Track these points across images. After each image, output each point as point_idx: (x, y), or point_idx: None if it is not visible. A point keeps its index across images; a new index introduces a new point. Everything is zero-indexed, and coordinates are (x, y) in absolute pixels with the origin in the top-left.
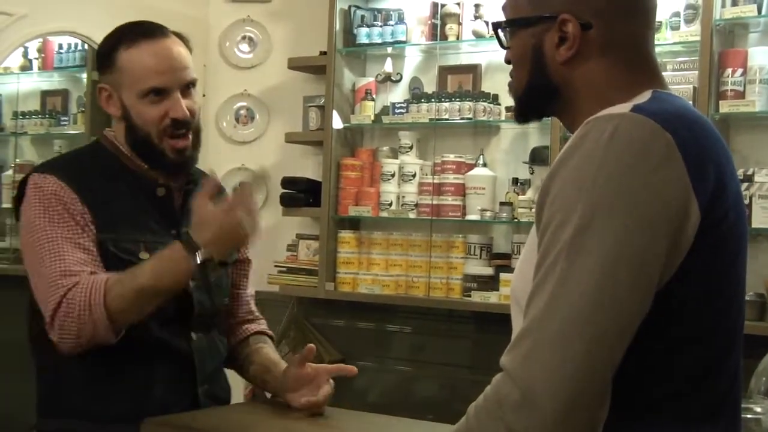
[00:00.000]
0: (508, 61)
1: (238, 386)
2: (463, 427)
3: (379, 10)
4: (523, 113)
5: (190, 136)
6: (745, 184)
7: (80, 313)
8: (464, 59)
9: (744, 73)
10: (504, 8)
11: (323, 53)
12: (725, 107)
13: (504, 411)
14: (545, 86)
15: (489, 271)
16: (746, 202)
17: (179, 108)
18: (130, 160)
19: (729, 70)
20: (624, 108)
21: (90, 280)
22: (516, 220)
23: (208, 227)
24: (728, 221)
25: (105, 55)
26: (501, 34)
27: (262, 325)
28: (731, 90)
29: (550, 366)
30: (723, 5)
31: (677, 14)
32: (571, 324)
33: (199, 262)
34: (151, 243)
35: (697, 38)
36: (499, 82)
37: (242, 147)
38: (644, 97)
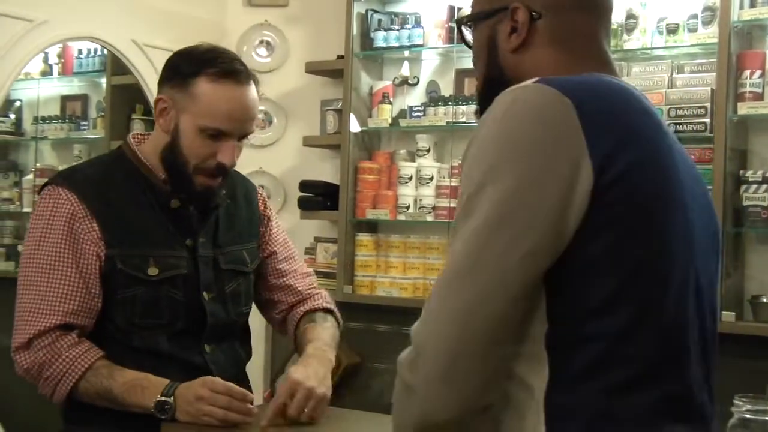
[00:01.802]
0: (474, 64)
1: (258, 388)
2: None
3: (396, 14)
4: (483, 110)
5: (222, 178)
6: (764, 186)
7: (47, 379)
8: None
9: (762, 75)
10: (471, 8)
11: (340, 57)
12: (743, 109)
13: (402, 369)
14: (499, 77)
15: None
16: (765, 204)
17: (230, 156)
18: (149, 170)
19: (747, 72)
20: (528, 81)
21: (72, 358)
22: None
23: (194, 399)
24: (634, 179)
25: (180, 73)
26: (466, 33)
27: (317, 301)
28: (749, 92)
29: (435, 324)
30: (741, 7)
31: (695, 16)
32: (454, 282)
33: (158, 403)
34: (161, 257)
35: (715, 40)
36: None
37: (260, 151)
38: None
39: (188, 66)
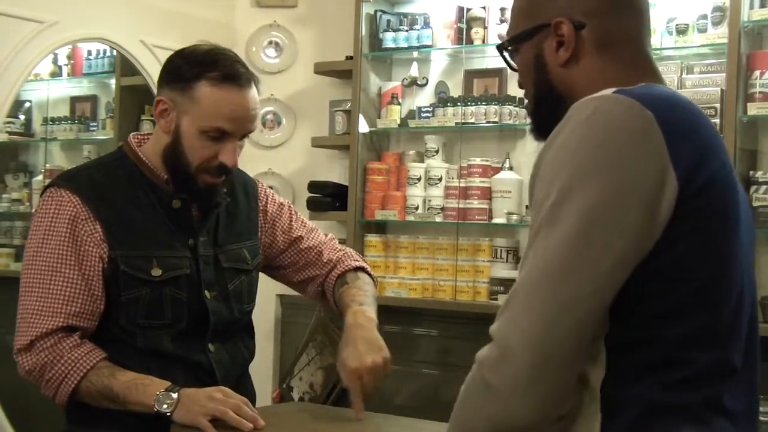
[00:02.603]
0: (521, 85)
1: (266, 388)
2: (458, 401)
3: (405, 15)
4: (539, 128)
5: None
6: None
7: (49, 381)
8: (490, 63)
9: None
10: (506, 34)
11: (349, 58)
12: (753, 109)
13: (483, 369)
14: (550, 93)
15: (515, 274)
16: None
17: (231, 156)
18: (150, 170)
19: (757, 72)
20: (607, 92)
21: (74, 359)
22: None
23: (207, 398)
24: (712, 191)
25: (181, 76)
26: (507, 57)
27: (345, 262)
28: (759, 92)
29: (525, 325)
30: (751, 7)
31: (704, 17)
32: (545, 285)
33: (161, 409)
34: (163, 258)
35: (725, 40)
36: None
37: (269, 151)
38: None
39: (189, 69)
